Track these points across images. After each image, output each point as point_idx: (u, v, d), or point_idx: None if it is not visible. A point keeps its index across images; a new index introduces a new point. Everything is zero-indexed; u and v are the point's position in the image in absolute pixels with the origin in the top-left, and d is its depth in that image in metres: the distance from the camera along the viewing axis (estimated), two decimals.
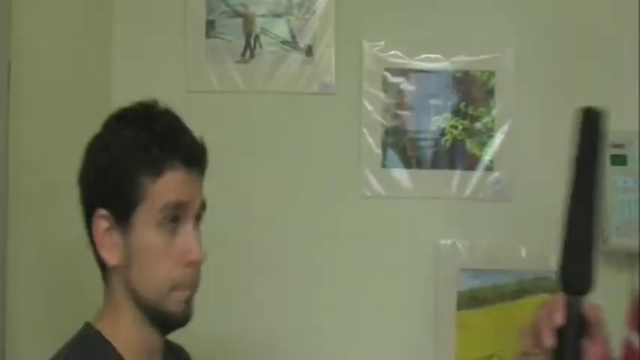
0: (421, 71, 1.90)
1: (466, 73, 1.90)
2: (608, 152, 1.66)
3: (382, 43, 1.90)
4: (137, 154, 1.07)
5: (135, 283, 1.08)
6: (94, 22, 1.90)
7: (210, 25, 1.91)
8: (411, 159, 1.92)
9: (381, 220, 1.93)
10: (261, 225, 1.94)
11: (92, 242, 1.10)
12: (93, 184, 1.10)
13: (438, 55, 1.90)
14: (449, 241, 1.89)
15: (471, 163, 1.91)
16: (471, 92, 1.89)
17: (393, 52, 1.90)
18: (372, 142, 1.92)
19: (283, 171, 1.95)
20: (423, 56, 1.91)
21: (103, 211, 1.07)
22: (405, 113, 1.91)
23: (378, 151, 1.91)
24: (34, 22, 1.63)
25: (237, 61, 1.91)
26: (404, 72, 1.91)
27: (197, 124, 1.79)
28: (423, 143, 1.90)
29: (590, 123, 1.01)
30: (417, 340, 1.90)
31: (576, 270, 0.97)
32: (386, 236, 1.93)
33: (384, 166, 1.91)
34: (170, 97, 1.75)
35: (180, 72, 1.92)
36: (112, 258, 1.08)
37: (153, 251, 1.06)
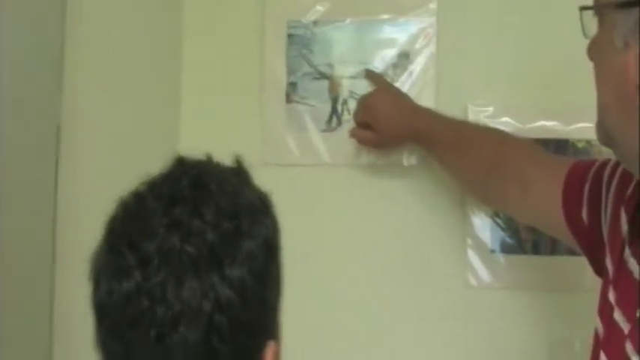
0: (537, 141, 1.60)
1: (589, 142, 1.62)
2: None
3: (490, 108, 1.65)
4: None
5: None
6: (159, 78, 1.73)
7: (292, 88, 1.71)
8: (525, 243, 1.66)
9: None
10: (344, 314, 1.72)
11: None
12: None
13: (555, 123, 1.64)
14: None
15: None
16: None
17: (504, 119, 1.65)
18: (479, 223, 1.67)
19: (375, 255, 1.73)
20: (539, 124, 1.65)
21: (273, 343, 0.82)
22: None
23: (487, 234, 1.66)
24: (86, 89, 1.45)
25: (322, 130, 1.70)
26: None
27: (274, 201, 1.69)
28: None
29: None
30: None
31: None
32: (496, 334, 1.67)
33: (493, 251, 1.66)
34: None
35: (256, 141, 1.72)
36: None
37: None
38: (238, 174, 0.87)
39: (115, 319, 0.76)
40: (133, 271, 0.74)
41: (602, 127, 1.04)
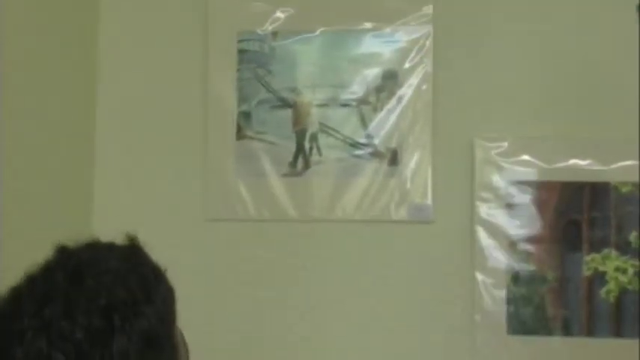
0: (566, 184, 1.48)
1: (636, 186, 1.46)
2: None
3: (505, 143, 1.49)
4: None
5: None
6: (64, 108, 1.47)
7: (244, 119, 1.54)
8: (553, 322, 1.47)
9: None
10: None
11: None
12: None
13: (590, 161, 1.47)
14: None
15: None
16: None
17: (522, 158, 1.48)
18: (491, 295, 1.49)
19: (354, 338, 1.50)
20: (570, 162, 1.47)
21: None
22: (542, 250, 1.48)
23: (501, 308, 1.48)
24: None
25: (284, 174, 1.54)
26: (539, 185, 1.49)
27: (221, 268, 1.54)
28: (572, 296, 1.47)
29: None
30: None
31: None
32: None
33: (511, 332, 1.48)
34: (183, 228, 1.54)
35: (198, 191, 1.55)
36: None
37: None
38: (128, 257, 0.89)
39: None
40: None
41: None
